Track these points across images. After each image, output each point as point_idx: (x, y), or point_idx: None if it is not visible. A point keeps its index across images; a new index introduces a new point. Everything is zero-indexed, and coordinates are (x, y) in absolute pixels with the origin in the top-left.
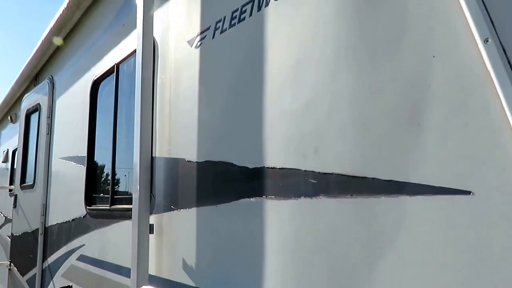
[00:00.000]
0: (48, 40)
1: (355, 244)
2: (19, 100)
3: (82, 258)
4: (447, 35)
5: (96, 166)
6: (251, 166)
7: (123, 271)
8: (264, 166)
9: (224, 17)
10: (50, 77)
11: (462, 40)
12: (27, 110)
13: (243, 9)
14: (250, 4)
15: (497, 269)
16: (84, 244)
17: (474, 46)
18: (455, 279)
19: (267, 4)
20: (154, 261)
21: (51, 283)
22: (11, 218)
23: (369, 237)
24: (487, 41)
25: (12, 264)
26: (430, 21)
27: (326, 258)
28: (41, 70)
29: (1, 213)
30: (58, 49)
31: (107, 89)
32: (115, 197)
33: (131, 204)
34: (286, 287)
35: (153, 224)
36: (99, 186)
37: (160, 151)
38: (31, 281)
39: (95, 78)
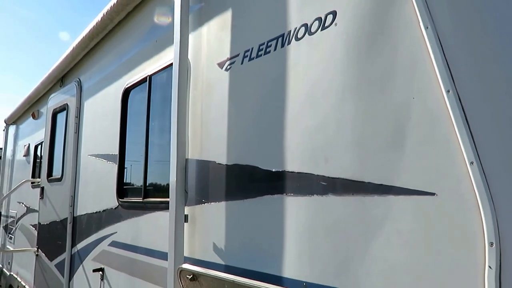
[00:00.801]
0: (78, 47)
1: (355, 230)
2: (41, 99)
3: (114, 244)
4: (423, 83)
5: (127, 163)
6: (274, 170)
7: (156, 254)
8: (284, 170)
9: (252, 48)
10: (78, 80)
11: (433, 89)
12: (54, 109)
13: (269, 44)
14: (275, 41)
15: (451, 245)
16: (116, 232)
17: (441, 94)
18: (424, 252)
19: (289, 43)
20: (188, 245)
21: (81, 266)
22: (32, 208)
23: (364, 224)
24: (449, 91)
25: (39, 250)
26: (412, 72)
27: (332, 240)
28: (67, 73)
29: (23, 203)
30: (86, 55)
31: (138, 96)
32: (147, 190)
33: (162, 197)
34: (301, 263)
35: (187, 215)
36: (131, 181)
37: (192, 154)
38: (60, 265)
39: (127, 86)
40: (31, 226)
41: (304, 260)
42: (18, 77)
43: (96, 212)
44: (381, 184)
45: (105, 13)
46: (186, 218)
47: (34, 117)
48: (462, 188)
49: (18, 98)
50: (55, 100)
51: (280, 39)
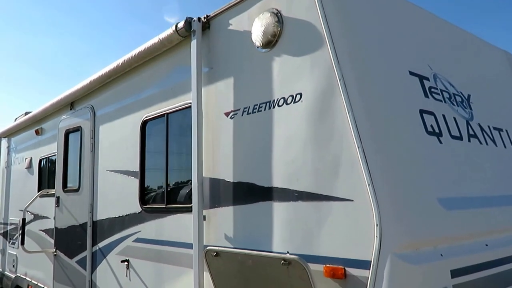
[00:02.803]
0: (95, 82)
1: (313, 221)
2: (46, 118)
3: (138, 240)
4: (347, 141)
5: (148, 178)
6: (265, 186)
7: (178, 244)
8: (272, 186)
9: (249, 106)
10: (91, 106)
11: (350, 145)
12: (67, 129)
13: (261, 105)
14: (265, 104)
15: (360, 225)
16: (140, 231)
17: (355, 148)
18: (349, 230)
19: (274, 107)
20: (205, 236)
21: (104, 260)
22: (41, 215)
23: (318, 218)
24: (359, 147)
25: (57, 250)
26: (342, 135)
27: (301, 227)
28: (78, 99)
29: (28, 211)
30: (101, 86)
31: (155, 128)
32: (168, 197)
33: (181, 203)
34: (284, 240)
35: (205, 215)
36: (152, 191)
37: (206, 173)
38: (81, 262)
39: (146, 118)
40: (40, 231)
41: (286, 239)
42: None
43: (119, 216)
44: (327, 195)
45: (125, 60)
46: (204, 218)
47: (37, 133)
48: (365, 197)
49: None
50: (67, 121)
51: (268, 104)
